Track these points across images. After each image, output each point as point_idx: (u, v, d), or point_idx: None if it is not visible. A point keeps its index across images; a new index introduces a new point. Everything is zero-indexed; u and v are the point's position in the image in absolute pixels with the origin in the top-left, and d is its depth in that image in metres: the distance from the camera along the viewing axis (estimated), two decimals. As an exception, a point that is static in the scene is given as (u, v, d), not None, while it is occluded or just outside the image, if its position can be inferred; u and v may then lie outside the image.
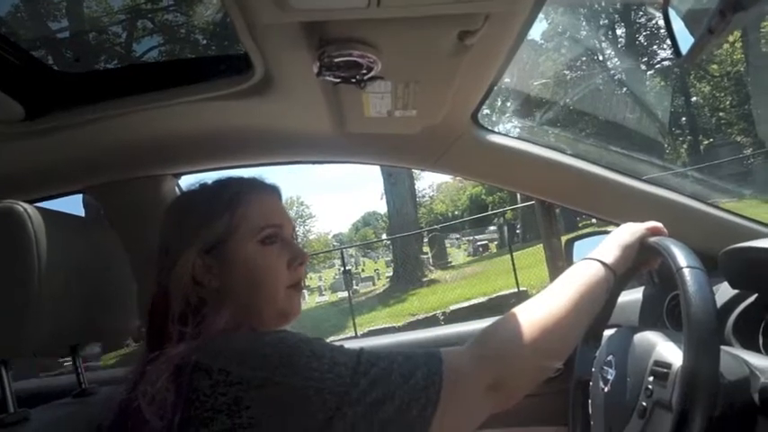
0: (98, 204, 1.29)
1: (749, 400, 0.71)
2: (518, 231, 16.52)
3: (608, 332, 1.01)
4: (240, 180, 0.85)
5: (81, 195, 1.32)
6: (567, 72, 19.81)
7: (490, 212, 21.51)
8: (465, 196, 31.92)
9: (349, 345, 0.72)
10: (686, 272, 0.70)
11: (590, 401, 0.99)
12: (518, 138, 1.27)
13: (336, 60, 0.78)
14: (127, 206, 1.26)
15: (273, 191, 0.87)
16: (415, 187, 18.74)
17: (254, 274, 0.78)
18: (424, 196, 34.77)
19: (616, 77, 19.22)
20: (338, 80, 0.83)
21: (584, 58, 20.01)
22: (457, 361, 0.69)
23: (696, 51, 0.70)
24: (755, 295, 1.02)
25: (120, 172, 1.24)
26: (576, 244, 1.32)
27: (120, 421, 0.69)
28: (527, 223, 15.39)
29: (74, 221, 0.93)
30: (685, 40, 0.72)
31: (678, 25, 0.75)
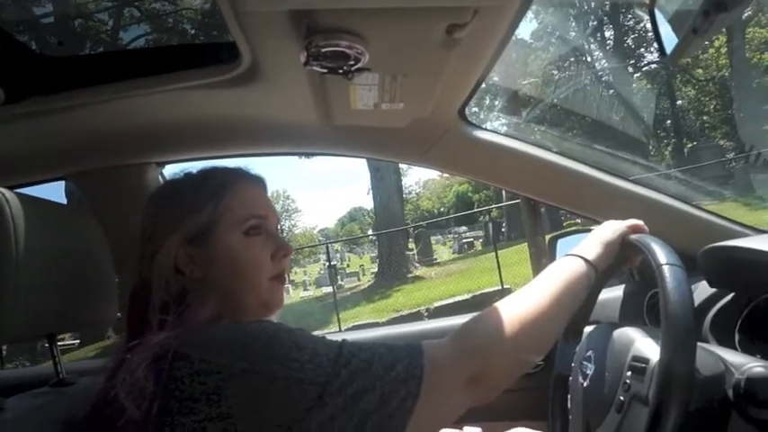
0: (80, 191, 1.27)
1: (724, 395, 0.72)
2: (503, 229, 16.61)
3: (588, 328, 1.02)
4: (225, 170, 0.84)
5: (63, 182, 1.30)
6: (555, 72, 19.94)
7: (476, 210, 21.62)
8: (451, 193, 32.03)
9: (332, 337, 0.72)
10: (666, 269, 0.71)
11: (569, 396, 1.00)
12: (505, 134, 1.27)
13: (324, 50, 0.77)
14: (109, 194, 1.25)
15: (259, 182, 0.86)
16: (402, 183, 18.80)
17: (238, 264, 0.78)
18: (410, 192, 34.86)
19: (603, 78, 19.39)
20: (325, 70, 0.82)
21: (572, 59, 20.15)
22: (438, 354, 0.69)
23: (681, 51, 0.71)
24: (732, 294, 1.03)
25: (103, 159, 1.22)
26: (560, 241, 1.33)
27: (97, 410, 0.68)
28: (512, 221, 15.50)
29: (54, 208, 0.91)
30: (670, 41, 0.73)
31: (664, 25, 0.76)
